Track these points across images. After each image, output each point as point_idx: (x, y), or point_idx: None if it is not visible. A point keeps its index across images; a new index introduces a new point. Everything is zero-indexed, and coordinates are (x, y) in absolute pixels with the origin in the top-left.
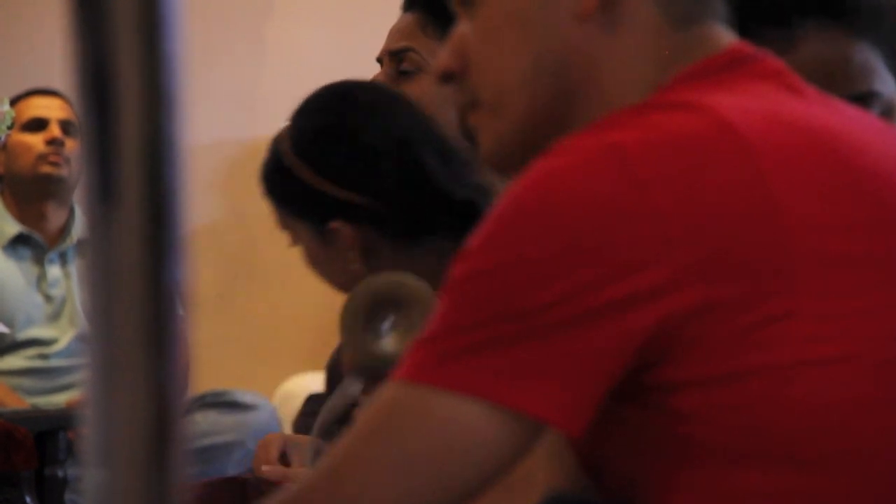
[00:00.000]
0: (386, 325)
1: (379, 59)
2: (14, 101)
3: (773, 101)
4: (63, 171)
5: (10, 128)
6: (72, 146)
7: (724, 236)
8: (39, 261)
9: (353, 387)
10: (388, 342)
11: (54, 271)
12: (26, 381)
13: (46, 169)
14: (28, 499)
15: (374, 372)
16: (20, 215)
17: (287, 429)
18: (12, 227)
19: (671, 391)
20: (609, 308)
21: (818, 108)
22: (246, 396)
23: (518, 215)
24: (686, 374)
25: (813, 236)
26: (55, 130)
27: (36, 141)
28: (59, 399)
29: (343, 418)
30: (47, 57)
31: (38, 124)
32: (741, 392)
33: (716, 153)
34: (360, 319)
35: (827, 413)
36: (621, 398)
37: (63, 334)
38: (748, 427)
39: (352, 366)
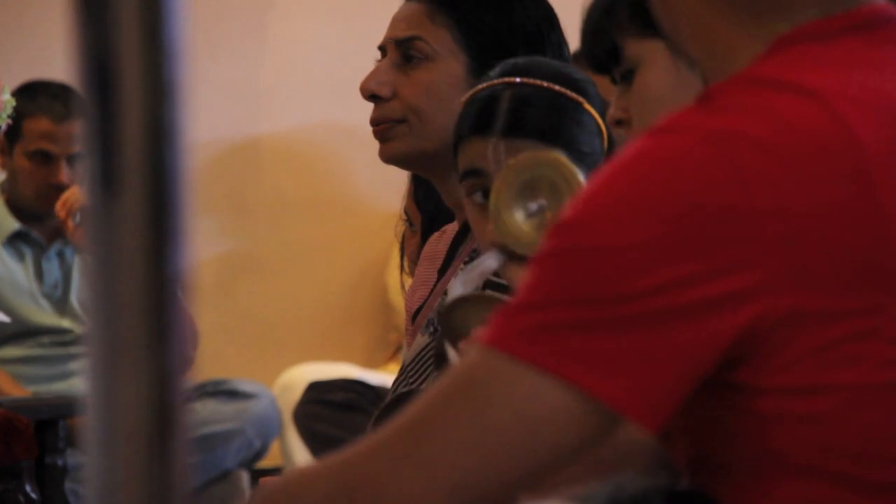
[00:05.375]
0: (535, 205)
1: (381, 48)
2: (22, 109)
3: None
4: (61, 211)
5: (10, 117)
6: (73, 184)
7: (823, 245)
8: (39, 255)
9: (490, 261)
10: (532, 223)
11: (53, 265)
12: (26, 370)
13: (44, 207)
14: (28, 488)
15: (511, 251)
16: (19, 214)
17: (287, 418)
18: (11, 224)
19: (748, 394)
20: (700, 306)
21: None
22: (246, 385)
23: (620, 197)
24: (763, 381)
25: None
26: (61, 174)
27: (40, 176)
28: (60, 387)
29: (482, 289)
30: (50, 47)
31: (44, 157)
32: (814, 406)
33: (826, 156)
34: (510, 194)
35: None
36: (699, 394)
37: (64, 323)
38: (817, 442)
39: (493, 241)
